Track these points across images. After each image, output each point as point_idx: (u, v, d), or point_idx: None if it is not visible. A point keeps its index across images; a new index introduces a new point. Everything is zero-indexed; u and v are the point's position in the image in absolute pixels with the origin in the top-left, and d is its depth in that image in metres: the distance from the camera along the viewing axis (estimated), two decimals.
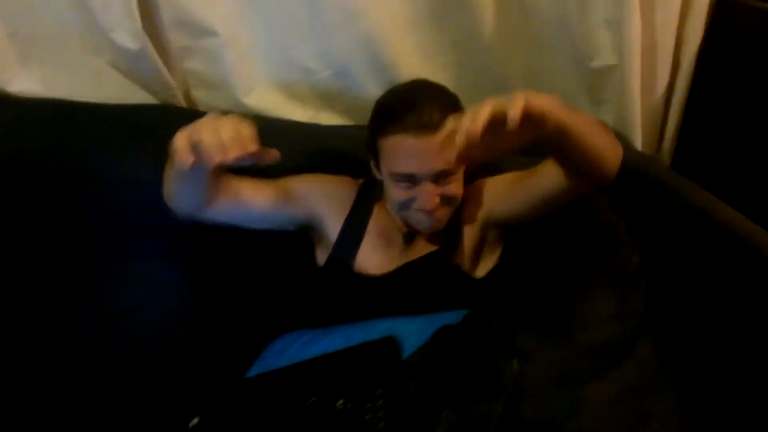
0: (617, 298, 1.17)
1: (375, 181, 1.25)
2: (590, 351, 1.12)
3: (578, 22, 1.46)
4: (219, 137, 0.86)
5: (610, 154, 1.03)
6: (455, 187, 1.17)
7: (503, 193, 1.25)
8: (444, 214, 1.19)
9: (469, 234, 1.26)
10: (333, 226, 1.27)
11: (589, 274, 1.21)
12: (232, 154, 0.86)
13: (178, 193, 1.11)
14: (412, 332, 1.10)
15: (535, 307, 1.19)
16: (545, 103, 0.83)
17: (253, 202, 1.21)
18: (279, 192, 1.24)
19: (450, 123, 0.85)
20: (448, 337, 1.08)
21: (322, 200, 1.28)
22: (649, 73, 1.52)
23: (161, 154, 1.15)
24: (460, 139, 0.81)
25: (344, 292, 1.23)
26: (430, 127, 1.07)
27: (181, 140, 0.89)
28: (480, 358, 1.06)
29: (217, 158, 0.86)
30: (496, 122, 0.80)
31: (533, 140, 0.89)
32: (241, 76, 1.47)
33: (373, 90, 1.45)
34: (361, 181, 1.32)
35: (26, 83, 1.41)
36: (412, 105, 1.10)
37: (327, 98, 1.54)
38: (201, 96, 1.51)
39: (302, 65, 1.49)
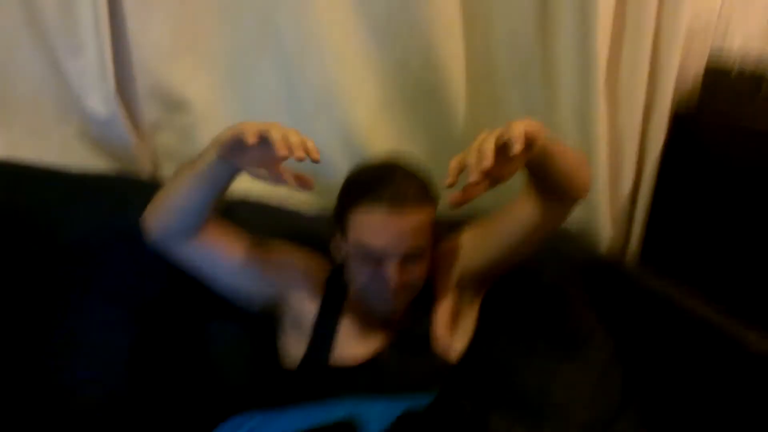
0: (593, 383, 1.15)
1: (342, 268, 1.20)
2: None
3: (547, 115, 1.53)
4: (288, 136, 0.91)
5: (584, 170, 1.06)
6: (420, 270, 1.11)
7: (475, 245, 1.22)
8: (405, 297, 1.13)
9: (444, 299, 1.21)
10: (308, 308, 1.20)
11: (565, 359, 1.19)
12: (296, 154, 0.89)
13: (182, 204, 1.09)
14: (374, 415, 1.03)
15: (510, 391, 1.15)
16: (532, 125, 0.87)
17: (233, 249, 1.18)
18: (260, 250, 1.21)
19: (455, 163, 0.86)
20: (413, 423, 1.02)
21: (300, 275, 1.23)
22: (614, 174, 1.59)
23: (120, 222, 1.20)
24: (474, 176, 0.82)
25: (318, 385, 1.15)
26: (406, 202, 1.05)
27: (248, 126, 0.92)
28: None
29: (282, 152, 0.89)
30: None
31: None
32: None
33: (346, 174, 1.45)
34: (328, 268, 1.26)
35: None
36: (388, 178, 1.08)
37: None
38: (170, 172, 1.46)
39: None
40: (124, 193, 1.34)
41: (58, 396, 1.18)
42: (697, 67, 1.57)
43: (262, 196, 1.46)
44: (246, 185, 1.45)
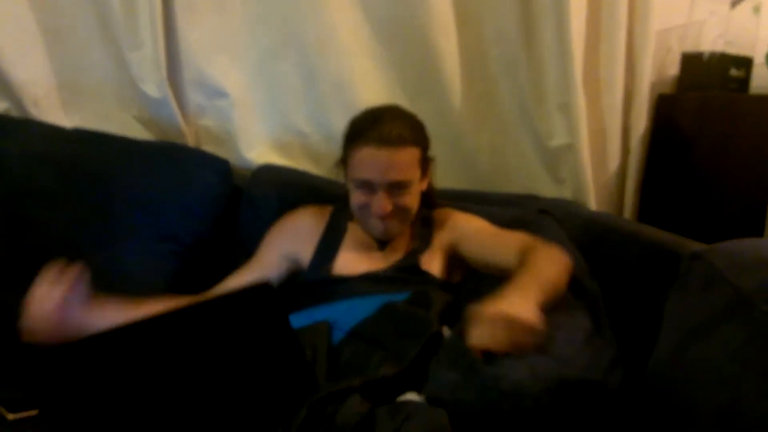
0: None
1: (345, 205, 1.38)
2: None
3: (535, 106, 1.71)
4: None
5: (564, 279, 1.17)
6: (408, 200, 1.30)
7: (472, 239, 1.37)
8: (396, 224, 1.32)
9: (438, 247, 1.38)
10: (307, 253, 1.38)
11: None
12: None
13: None
14: (345, 313, 1.21)
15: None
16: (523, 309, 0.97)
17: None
18: (260, 267, 1.39)
19: None
20: (391, 312, 1.19)
21: (290, 239, 1.41)
22: (600, 153, 1.75)
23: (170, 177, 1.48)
24: None
25: (320, 292, 1.31)
26: (390, 141, 1.24)
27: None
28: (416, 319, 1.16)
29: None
30: None
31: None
32: (244, 134, 1.74)
33: None
34: (330, 207, 1.46)
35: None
36: (378, 121, 1.27)
37: (316, 158, 1.78)
38: (209, 150, 1.73)
39: (297, 128, 1.76)
40: (175, 156, 1.62)
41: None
42: (675, 56, 1.76)
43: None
44: (271, 157, 1.75)
